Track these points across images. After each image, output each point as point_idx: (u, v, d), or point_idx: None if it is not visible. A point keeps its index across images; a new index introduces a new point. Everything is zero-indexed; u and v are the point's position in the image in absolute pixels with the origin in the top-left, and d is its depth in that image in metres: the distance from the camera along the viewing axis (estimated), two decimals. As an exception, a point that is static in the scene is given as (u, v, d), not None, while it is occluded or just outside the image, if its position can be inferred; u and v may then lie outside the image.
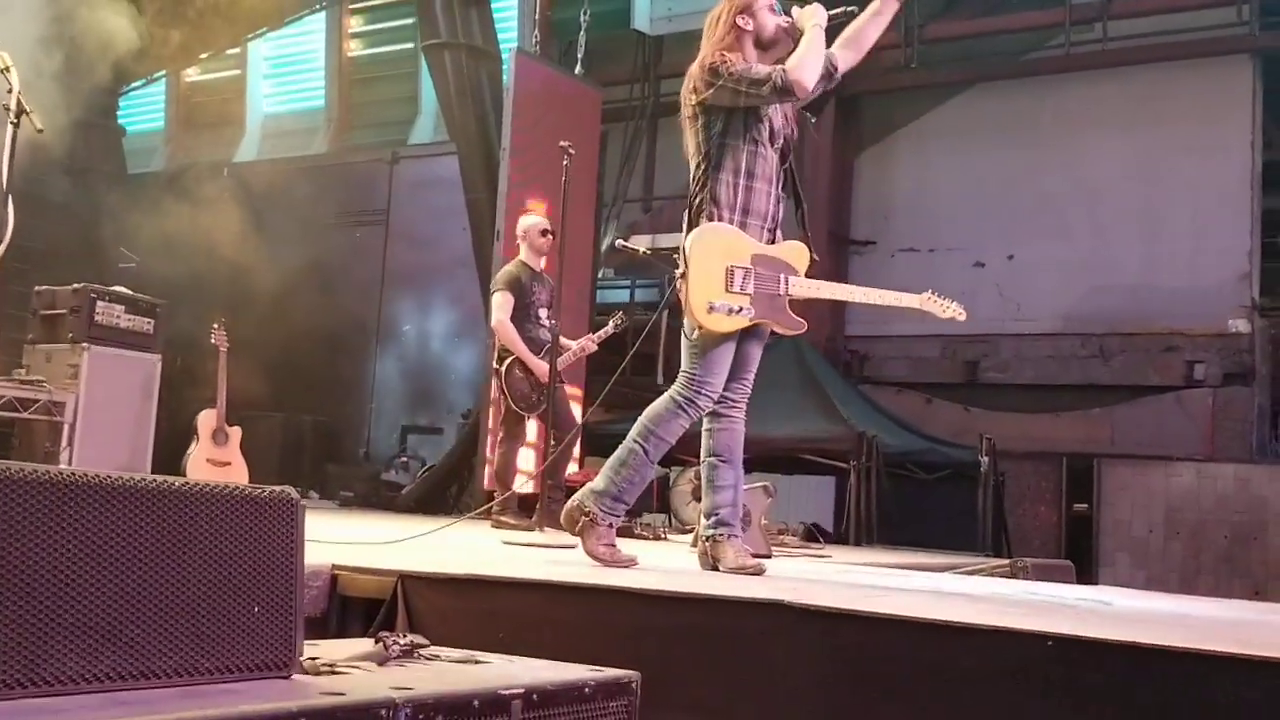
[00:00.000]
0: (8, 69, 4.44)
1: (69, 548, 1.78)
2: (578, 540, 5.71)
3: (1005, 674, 2.30)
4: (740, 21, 4.05)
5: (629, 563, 3.93)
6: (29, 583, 1.73)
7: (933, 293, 4.20)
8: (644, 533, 6.70)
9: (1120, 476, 10.60)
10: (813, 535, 8.09)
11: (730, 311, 3.86)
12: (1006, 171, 12.23)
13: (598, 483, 4.00)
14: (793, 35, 4.05)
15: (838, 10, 4.11)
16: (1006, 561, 6.81)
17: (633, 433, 3.99)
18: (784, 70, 3.91)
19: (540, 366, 6.98)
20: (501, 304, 7.18)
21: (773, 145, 4.05)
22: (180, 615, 1.92)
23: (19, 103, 4.32)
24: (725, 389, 4.01)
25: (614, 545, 3.99)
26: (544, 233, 7.35)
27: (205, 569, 1.98)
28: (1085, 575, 9.55)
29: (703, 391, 3.94)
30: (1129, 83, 11.72)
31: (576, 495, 4.04)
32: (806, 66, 3.91)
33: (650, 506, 8.60)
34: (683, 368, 3.99)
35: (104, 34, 11.29)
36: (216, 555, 2.00)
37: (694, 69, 4.03)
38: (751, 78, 3.90)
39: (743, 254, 3.92)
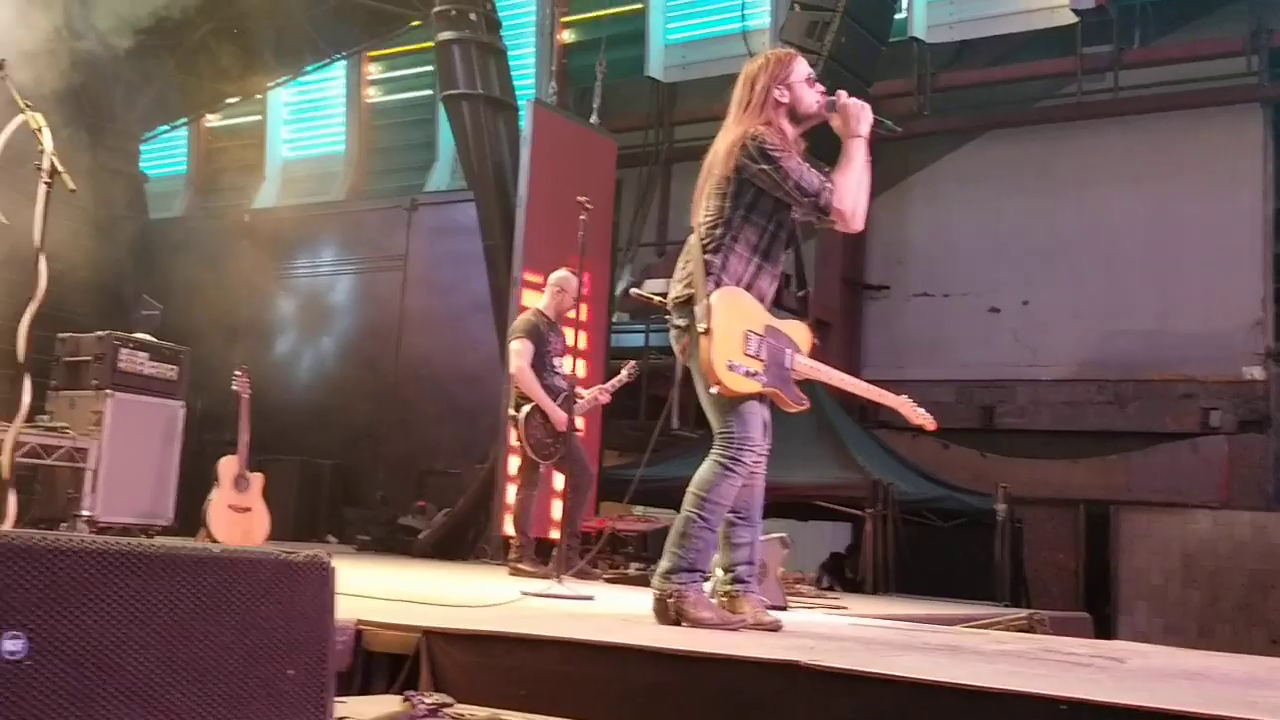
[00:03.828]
0: (40, 129, 4.53)
1: (113, 616, 1.85)
2: (595, 590, 5.78)
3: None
4: (777, 94, 4.03)
5: (740, 623, 3.88)
6: (75, 651, 1.80)
7: (909, 397, 4.35)
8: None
9: (1137, 524, 10.60)
10: (830, 584, 8.09)
11: (747, 374, 3.89)
12: (1020, 217, 12.32)
13: (663, 565, 3.96)
14: (828, 111, 4.05)
15: (882, 123, 4.07)
16: (1024, 614, 6.81)
17: (685, 504, 3.96)
18: (831, 192, 3.90)
19: (559, 414, 7.04)
20: (520, 351, 7.25)
21: (790, 229, 4.09)
22: (218, 680, 1.99)
23: (52, 163, 4.40)
24: None
25: (713, 605, 3.94)
26: (575, 298, 7.29)
27: (242, 634, 2.04)
28: (1103, 622, 9.54)
29: (745, 447, 3.94)
30: (1141, 131, 11.84)
31: (653, 589, 3.98)
32: (850, 197, 3.92)
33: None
34: (717, 429, 3.99)
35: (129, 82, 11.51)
36: (252, 620, 2.06)
37: (738, 136, 3.96)
38: (800, 184, 3.89)
39: (758, 322, 3.97)
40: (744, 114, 4.04)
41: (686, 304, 3.98)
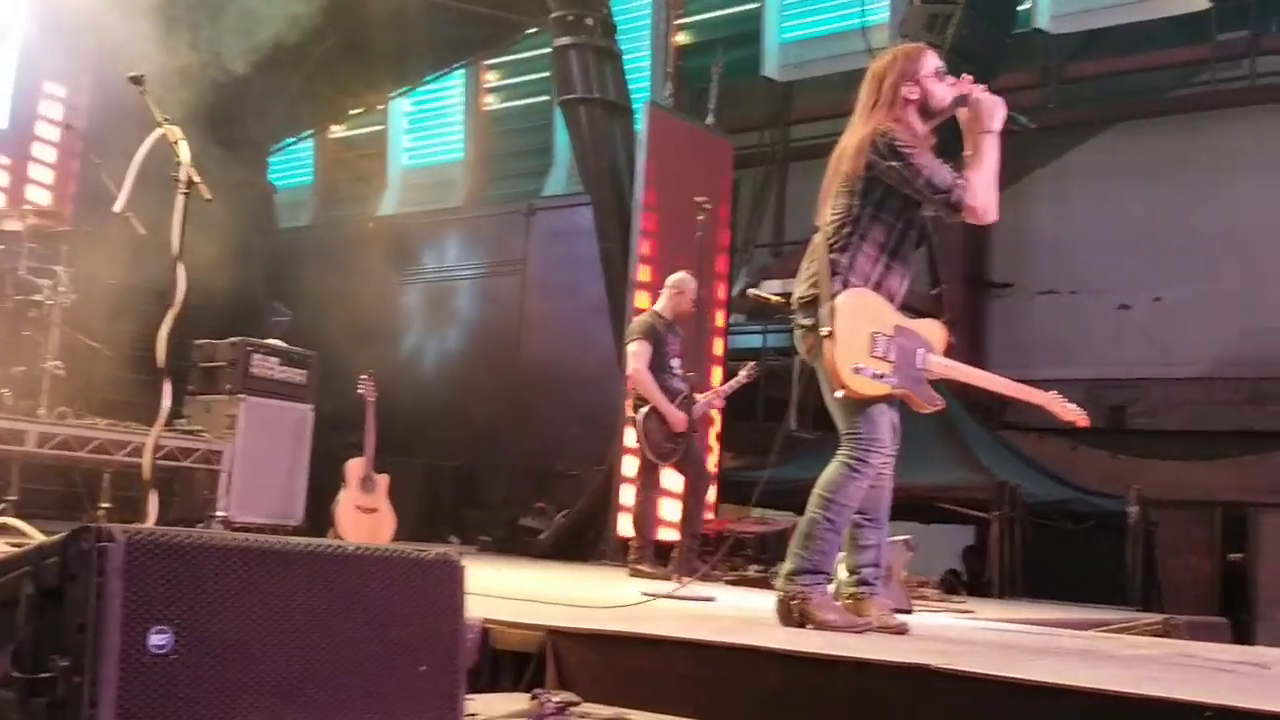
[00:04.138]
0: (178, 142, 4.68)
1: (254, 612, 1.91)
2: (715, 592, 5.78)
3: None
4: (906, 91, 3.96)
5: (865, 625, 3.83)
6: (218, 645, 1.85)
7: (1059, 394, 4.22)
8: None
9: (1278, 526, 10.17)
10: (953, 587, 7.95)
11: (875, 376, 3.83)
12: (1151, 211, 11.94)
13: (787, 566, 3.93)
14: (959, 106, 3.99)
15: (1014, 119, 3.98)
16: (1159, 619, 6.61)
17: (811, 504, 3.92)
18: (963, 190, 3.84)
19: (676, 416, 7.05)
20: (638, 353, 7.27)
21: (920, 228, 4.04)
22: (354, 674, 2.03)
23: (189, 175, 4.55)
24: None
25: (838, 608, 3.89)
26: (693, 301, 7.29)
27: (376, 629, 2.09)
28: (1241, 628, 9.19)
29: (872, 448, 3.88)
30: (1278, 120, 11.37)
31: (777, 590, 3.96)
32: (983, 194, 3.86)
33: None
34: (844, 429, 3.93)
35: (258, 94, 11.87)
36: (386, 616, 2.11)
37: (868, 133, 3.90)
38: (931, 181, 3.83)
39: (886, 322, 3.90)
40: (872, 112, 3.98)
41: (811, 304, 3.92)
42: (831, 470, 3.93)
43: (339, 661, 2.02)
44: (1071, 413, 4.17)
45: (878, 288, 3.93)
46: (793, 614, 3.86)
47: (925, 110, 3.98)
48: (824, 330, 3.81)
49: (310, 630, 1.98)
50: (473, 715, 2.30)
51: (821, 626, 3.79)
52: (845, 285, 3.86)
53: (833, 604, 3.92)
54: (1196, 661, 3.56)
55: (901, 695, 2.68)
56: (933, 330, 4.06)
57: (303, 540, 2.03)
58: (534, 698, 2.63)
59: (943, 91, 3.99)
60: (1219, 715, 2.22)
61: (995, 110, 3.93)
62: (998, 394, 4.43)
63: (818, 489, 3.93)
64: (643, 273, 9.33)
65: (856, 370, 3.80)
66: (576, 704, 2.67)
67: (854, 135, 3.98)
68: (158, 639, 1.77)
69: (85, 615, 1.72)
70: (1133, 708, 2.35)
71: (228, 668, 1.86)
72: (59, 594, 1.77)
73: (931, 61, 4.04)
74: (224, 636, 1.85)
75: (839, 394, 3.84)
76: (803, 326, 3.99)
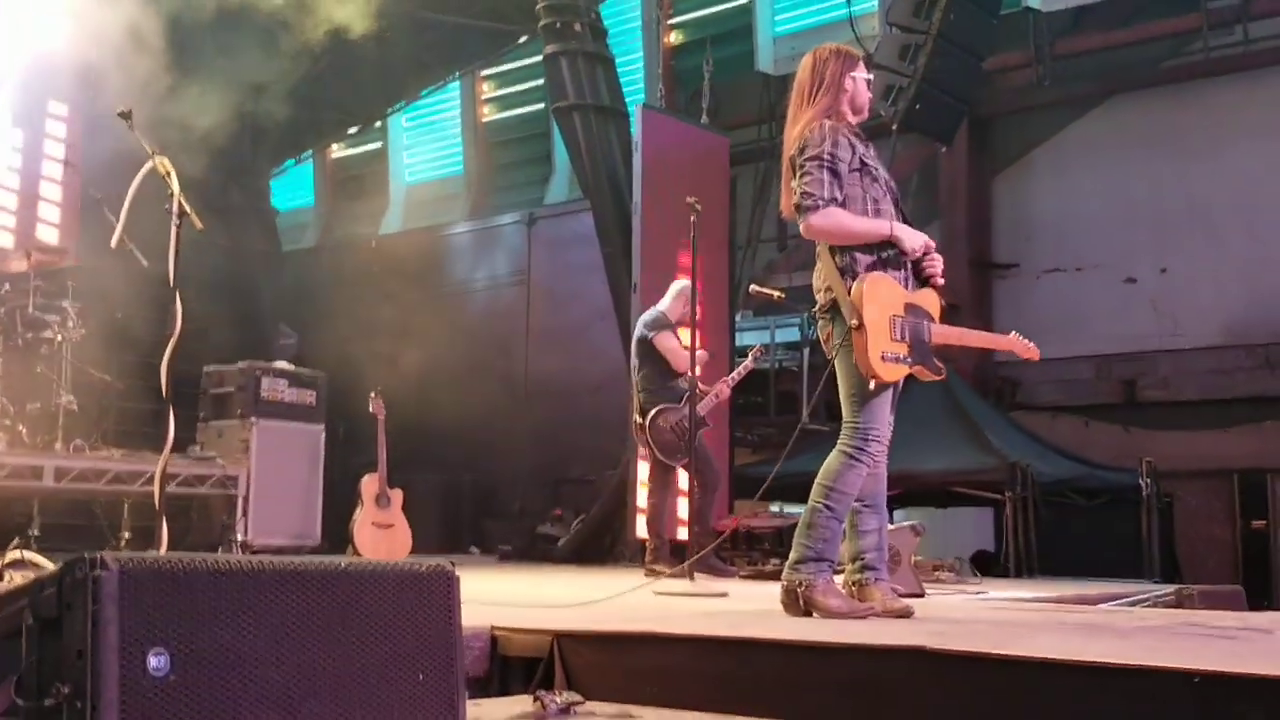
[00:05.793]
0: (169, 174, 4.72)
1: (250, 630, 1.96)
2: (728, 587, 5.81)
3: (1150, 716, 2.30)
4: (847, 82, 4.19)
5: (869, 611, 3.89)
6: (216, 664, 1.90)
7: (1016, 334, 4.53)
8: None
9: (1296, 491, 10.16)
10: (974, 570, 7.96)
11: (896, 360, 3.95)
12: (1152, 183, 11.92)
13: (792, 555, 4.03)
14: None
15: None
16: (1171, 590, 6.61)
17: (812, 495, 4.03)
18: (818, 209, 3.97)
19: (683, 358, 7.06)
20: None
21: (884, 187, 4.16)
22: (352, 686, 2.08)
23: (180, 205, 4.60)
24: None
25: (842, 594, 3.98)
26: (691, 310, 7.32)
27: (373, 642, 2.14)
28: (1264, 596, 9.19)
29: (870, 437, 4.00)
30: (1275, 83, 11.34)
31: (782, 580, 4.04)
32: (832, 228, 4.00)
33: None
34: (845, 418, 4.05)
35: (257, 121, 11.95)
36: (382, 629, 2.16)
37: (797, 130, 4.13)
38: (806, 187, 3.99)
39: (899, 303, 4.02)
40: (816, 96, 4.18)
41: (831, 307, 4.06)
42: (831, 460, 4.04)
43: (337, 675, 2.07)
44: (1030, 350, 4.43)
45: (884, 262, 4.04)
46: (798, 603, 3.93)
47: (854, 105, 4.23)
48: (853, 322, 3.91)
49: (307, 646, 2.03)
50: (476, 720, 2.35)
51: (826, 613, 3.85)
52: (854, 276, 3.98)
53: (837, 590, 3.98)
54: (1199, 630, 3.58)
55: (899, 677, 2.72)
56: (931, 300, 4.16)
57: (296, 559, 2.08)
58: (536, 699, 2.68)
59: (865, 97, 4.28)
60: (1206, 681, 2.25)
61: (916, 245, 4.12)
62: (980, 349, 4.68)
63: (819, 479, 4.05)
64: (645, 275, 9.36)
65: (883, 357, 3.91)
66: (580, 703, 2.72)
67: (791, 132, 4.18)
68: (155, 661, 1.82)
69: (83, 642, 1.77)
70: (1122, 678, 2.38)
71: (226, 686, 1.91)
72: (57, 623, 1.82)
73: (864, 70, 4.30)
74: (221, 656, 1.90)
75: (871, 385, 3.93)
76: (823, 317, 4.13)
